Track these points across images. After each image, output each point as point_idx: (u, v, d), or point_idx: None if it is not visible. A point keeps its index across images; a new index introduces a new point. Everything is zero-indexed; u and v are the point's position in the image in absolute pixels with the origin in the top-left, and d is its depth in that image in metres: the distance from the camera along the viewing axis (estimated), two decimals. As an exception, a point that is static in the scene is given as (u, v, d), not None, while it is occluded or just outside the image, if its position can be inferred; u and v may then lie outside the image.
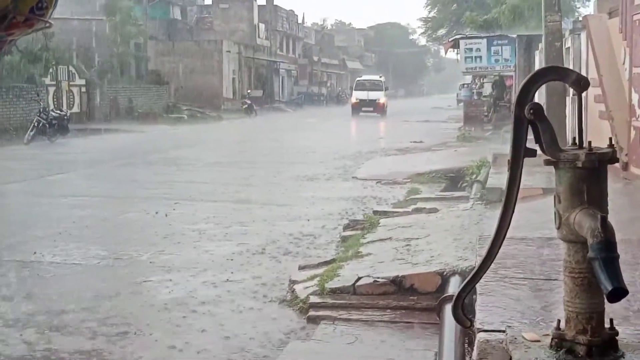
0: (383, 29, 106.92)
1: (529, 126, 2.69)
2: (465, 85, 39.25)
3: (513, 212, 2.65)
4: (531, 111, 2.64)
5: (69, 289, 6.76)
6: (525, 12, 32.68)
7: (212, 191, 12.86)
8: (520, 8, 33.19)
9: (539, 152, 2.65)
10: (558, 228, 2.68)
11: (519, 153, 2.67)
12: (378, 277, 5.90)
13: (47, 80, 32.48)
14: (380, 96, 45.76)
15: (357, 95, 46.07)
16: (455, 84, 74.01)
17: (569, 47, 14.07)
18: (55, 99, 32.28)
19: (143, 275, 7.14)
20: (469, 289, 2.77)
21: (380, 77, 51.40)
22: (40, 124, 24.29)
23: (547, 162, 2.67)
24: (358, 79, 51.54)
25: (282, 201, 11.65)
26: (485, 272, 2.70)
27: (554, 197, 2.69)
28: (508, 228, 2.66)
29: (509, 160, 2.65)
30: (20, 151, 21.92)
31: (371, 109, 44.36)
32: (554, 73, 2.82)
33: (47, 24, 1.63)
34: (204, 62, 49.59)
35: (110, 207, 11.62)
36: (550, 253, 5.16)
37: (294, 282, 6.49)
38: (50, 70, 32.41)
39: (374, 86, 47.24)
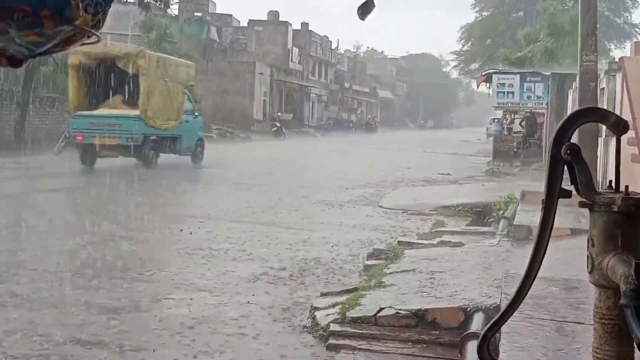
0: (415, 60, 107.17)
1: (565, 166, 2.64)
2: (496, 120, 39.16)
3: (545, 252, 2.60)
4: (568, 152, 2.59)
5: (90, 301, 6.76)
6: (558, 52, 32.70)
7: (238, 212, 12.88)
8: (552, 49, 33.24)
9: (573, 193, 2.60)
10: (590, 272, 2.62)
11: (554, 193, 2.61)
12: (400, 309, 5.84)
13: (81, 93, 32.81)
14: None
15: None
16: (485, 118, 73.94)
17: (603, 88, 13.98)
18: (87, 112, 32.59)
19: (164, 292, 7.13)
20: (496, 328, 2.71)
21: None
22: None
23: (582, 205, 2.61)
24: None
25: (306, 225, 11.63)
26: (513, 312, 2.64)
27: (587, 240, 2.64)
28: (539, 268, 2.61)
29: (543, 199, 2.60)
30: (50, 161, 22.12)
31: None
32: (593, 114, 2.77)
33: (98, 39, 1.65)
34: (236, 82, 49.96)
35: (135, 221, 11.65)
36: (577, 296, 5.09)
37: (315, 308, 6.44)
38: (85, 82, 32.76)
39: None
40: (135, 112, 20.69)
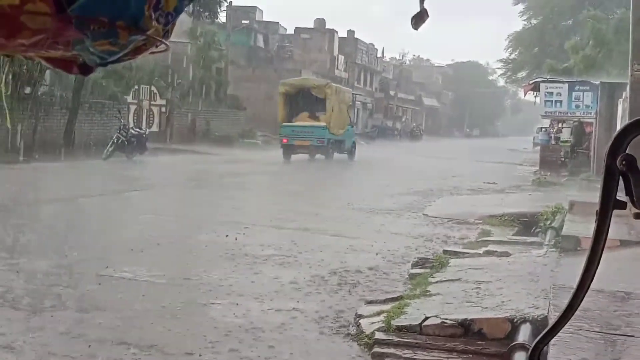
0: (462, 68, 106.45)
1: (620, 177, 2.59)
2: (543, 129, 38.71)
3: (598, 264, 2.56)
4: (623, 162, 2.54)
5: (137, 305, 6.84)
6: (601, 61, 32.26)
7: (283, 218, 12.91)
8: (592, 58, 32.82)
9: (628, 205, 2.56)
10: (644, 284, 2.57)
11: (608, 204, 2.56)
12: (446, 319, 5.80)
13: (129, 99, 33.27)
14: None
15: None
16: (532, 126, 73.14)
17: (654, 97, 13.74)
18: (135, 117, 33.06)
19: (210, 297, 7.18)
20: (547, 339, 2.67)
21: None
22: (120, 141, 24.89)
23: (637, 216, 2.56)
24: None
25: (351, 233, 11.62)
26: (565, 324, 2.61)
27: (642, 252, 2.59)
28: (592, 280, 2.57)
29: (597, 211, 2.56)
30: (98, 166, 22.46)
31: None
32: (650, 125, 2.72)
33: (166, 48, 1.69)
34: (282, 90, 50.15)
35: (181, 226, 11.77)
36: (627, 308, 5.01)
37: (360, 316, 6.43)
38: (133, 88, 33.22)
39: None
40: (322, 124, 30.56)
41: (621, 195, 2.70)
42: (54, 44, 1.54)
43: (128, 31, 1.54)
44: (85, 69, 1.67)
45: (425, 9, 2.04)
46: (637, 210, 2.58)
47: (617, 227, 8.62)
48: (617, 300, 5.34)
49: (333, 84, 33.68)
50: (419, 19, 2.06)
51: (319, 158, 30.67)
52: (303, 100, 31.73)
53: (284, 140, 30.28)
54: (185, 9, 1.72)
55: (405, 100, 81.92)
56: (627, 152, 2.65)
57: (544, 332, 2.70)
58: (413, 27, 2.11)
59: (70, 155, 24.61)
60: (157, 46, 1.67)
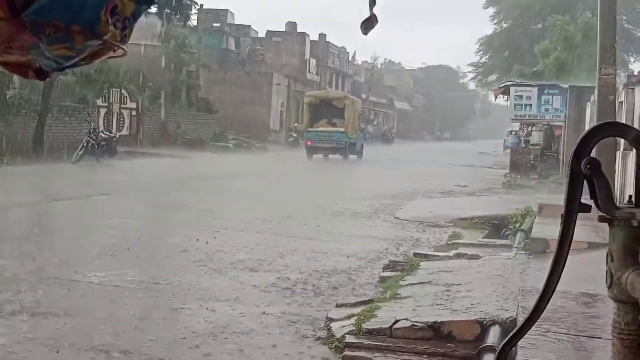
0: (433, 71, 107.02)
1: (584, 181, 2.62)
2: (513, 132, 39.03)
3: (564, 267, 2.60)
4: (588, 166, 2.58)
5: (106, 310, 6.79)
6: (571, 64, 32.62)
7: (254, 222, 12.88)
8: (563, 60, 33.18)
9: (593, 207, 2.58)
10: (609, 287, 2.61)
11: (573, 208, 2.60)
12: (416, 321, 5.82)
13: (99, 102, 33.00)
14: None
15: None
16: (502, 130, 73.72)
17: (622, 101, 13.92)
18: (105, 121, 32.81)
19: (180, 301, 7.14)
20: (514, 341, 2.70)
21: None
22: (90, 144, 24.70)
23: (602, 219, 2.60)
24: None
25: (322, 237, 11.62)
26: (532, 326, 2.64)
27: (606, 255, 2.63)
28: (558, 283, 2.60)
29: (562, 214, 2.59)
30: (68, 169, 22.27)
31: None
32: (614, 129, 2.76)
33: (124, 53, 1.68)
34: (253, 93, 50.10)
35: (152, 230, 11.70)
36: (594, 310, 5.06)
37: (330, 319, 6.43)
38: (103, 92, 32.96)
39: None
40: (341, 129, 37.39)
41: (587, 198, 2.72)
42: (9, 49, 1.53)
43: (84, 36, 1.53)
44: (42, 74, 1.66)
45: (375, 15, 2.06)
46: (601, 214, 2.61)
47: (585, 230, 8.71)
48: (585, 302, 5.39)
49: (350, 96, 42.51)
50: (368, 24, 2.07)
51: (332, 158, 36.83)
52: (324, 109, 38.70)
53: (309, 143, 37.31)
54: (156, 11, 1.72)
55: (377, 104, 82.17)
56: (592, 155, 2.68)
57: (510, 335, 2.72)
58: (363, 32, 2.12)
59: (39, 159, 24.39)
60: (114, 51, 1.66)
